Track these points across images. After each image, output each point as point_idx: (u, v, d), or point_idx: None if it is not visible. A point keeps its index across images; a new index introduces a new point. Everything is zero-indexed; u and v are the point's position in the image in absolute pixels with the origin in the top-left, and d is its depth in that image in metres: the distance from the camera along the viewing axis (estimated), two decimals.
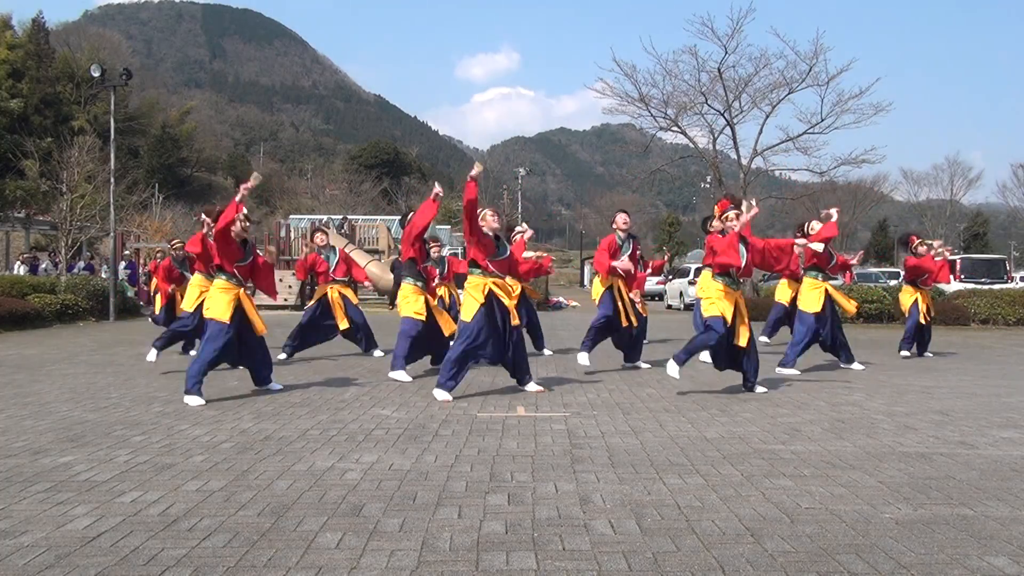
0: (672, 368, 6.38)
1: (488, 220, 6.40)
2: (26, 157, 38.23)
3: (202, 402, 6.05)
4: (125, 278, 20.77)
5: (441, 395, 6.20)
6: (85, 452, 4.43)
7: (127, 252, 23.68)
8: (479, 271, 6.36)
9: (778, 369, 8.05)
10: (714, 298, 6.44)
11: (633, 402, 6.23)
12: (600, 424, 5.29)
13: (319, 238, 9.41)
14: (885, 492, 3.67)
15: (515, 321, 6.40)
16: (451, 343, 6.96)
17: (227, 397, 6.42)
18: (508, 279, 6.63)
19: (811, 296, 8.23)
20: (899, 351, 9.94)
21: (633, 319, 8.00)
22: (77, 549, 2.90)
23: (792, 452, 4.49)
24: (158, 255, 18.91)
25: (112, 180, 18.71)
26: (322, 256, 9.28)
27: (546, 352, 9.85)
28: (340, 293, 9.23)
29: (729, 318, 6.37)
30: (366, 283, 9.89)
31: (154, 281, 15.90)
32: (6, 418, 5.48)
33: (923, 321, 9.73)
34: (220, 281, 6.32)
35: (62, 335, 12.86)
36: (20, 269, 21.69)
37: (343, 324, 9.14)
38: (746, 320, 6.53)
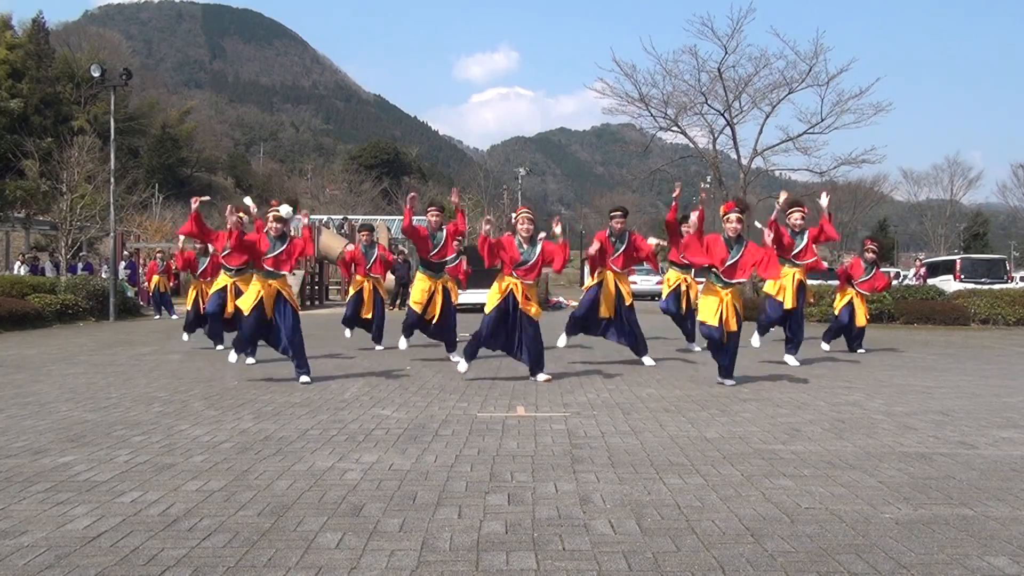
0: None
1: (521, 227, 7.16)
2: (26, 157, 38.27)
3: (235, 359, 7.71)
4: (125, 278, 20.76)
5: (462, 366, 7.27)
6: (85, 452, 4.43)
7: (127, 252, 23.66)
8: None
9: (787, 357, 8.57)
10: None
11: (633, 402, 6.23)
12: (600, 424, 5.29)
13: (365, 236, 10.25)
14: (885, 492, 3.67)
15: (537, 315, 7.13)
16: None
17: (227, 397, 6.43)
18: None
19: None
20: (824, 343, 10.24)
21: (610, 311, 8.22)
22: (77, 549, 2.90)
23: (792, 452, 4.49)
24: (158, 255, 18.95)
25: (112, 180, 18.71)
26: (362, 252, 10.14)
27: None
28: (374, 286, 10.17)
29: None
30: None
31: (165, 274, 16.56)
32: (6, 418, 5.48)
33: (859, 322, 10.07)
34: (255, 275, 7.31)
35: (62, 335, 12.86)
36: (20, 269, 21.68)
37: (368, 314, 10.14)
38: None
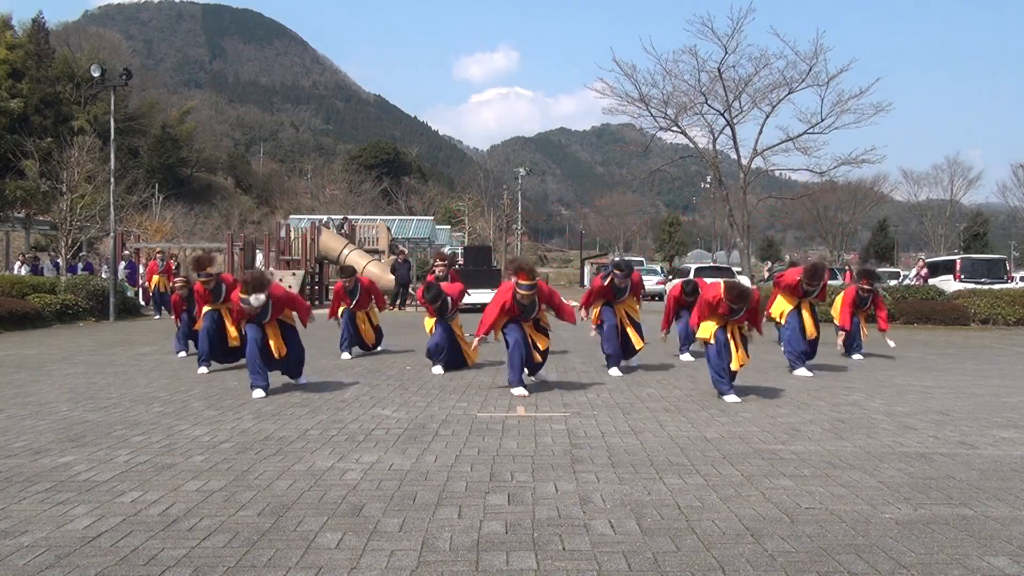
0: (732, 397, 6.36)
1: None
2: (26, 157, 38.26)
3: (263, 395, 6.42)
4: (124, 278, 20.74)
5: (519, 391, 6.59)
6: (85, 452, 4.43)
7: (127, 252, 23.65)
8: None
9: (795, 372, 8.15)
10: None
11: (633, 402, 6.23)
12: (600, 424, 5.29)
13: (348, 282, 9.77)
14: (885, 492, 3.67)
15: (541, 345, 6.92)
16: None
17: (227, 397, 6.42)
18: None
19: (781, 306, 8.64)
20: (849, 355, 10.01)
21: (632, 333, 8.01)
22: (77, 549, 2.90)
23: (792, 452, 4.49)
24: (158, 255, 18.94)
25: (112, 180, 18.69)
26: (346, 290, 9.72)
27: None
28: (367, 315, 9.89)
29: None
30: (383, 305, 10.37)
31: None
32: (6, 418, 5.48)
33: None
34: None
35: (62, 335, 12.85)
36: (21, 269, 21.67)
37: (369, 340, 9.95)
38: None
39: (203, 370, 8.04)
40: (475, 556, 2.82)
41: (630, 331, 8.02)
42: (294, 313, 7.01)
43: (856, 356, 9.75)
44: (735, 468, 4.11)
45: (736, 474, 3.99)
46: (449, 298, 8.15)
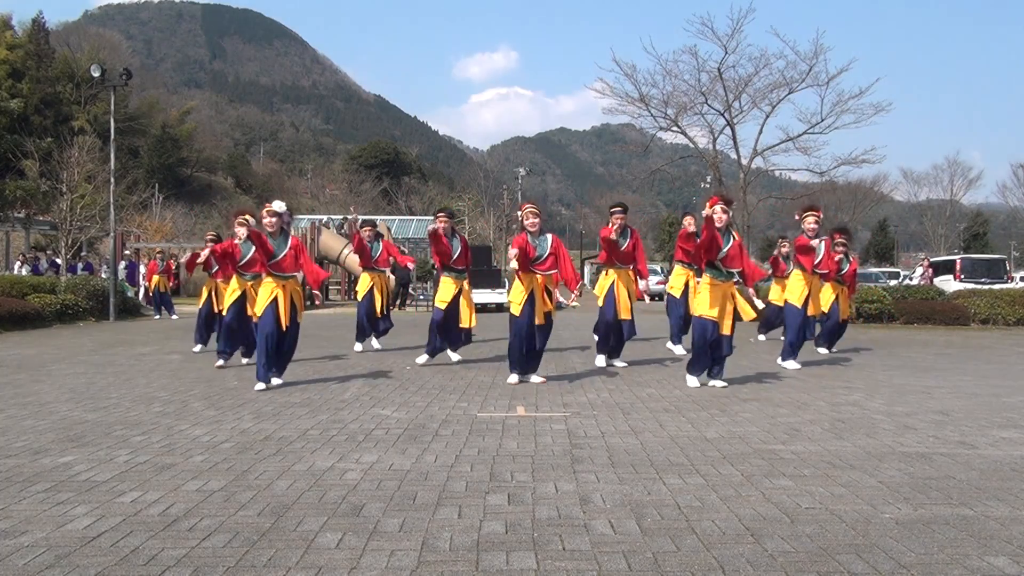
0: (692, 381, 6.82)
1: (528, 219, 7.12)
2: (26, 157, 38.27)
3: (263, 387, 6.74)
4: (123, 278, 20.75)
5: (513, 379, 7.16)
6: (85, 452, 4.43)
7: (127, 252, 23.66)
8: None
9: (780, 362, 8.30)
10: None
11: (633, 402, 6.23)
12: (600, 424, 5.29)
13: (368, 231, 10.20)
14: (885, 492, 3.67)
15: (539, 320, 7.07)
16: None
17: (227, 397, 6.42)
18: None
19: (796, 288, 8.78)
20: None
21: (625, 313, 8.16)
22: (77, 549, 2.90)
23: (792, 452, 4.49)
24: (158, 255, 18.95)
25: (112, 180, 18.70)
26: (367, 244, 10.01)
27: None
28: (383, 284, 10.13)
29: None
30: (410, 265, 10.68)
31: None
32: (6, 418, 5.48)
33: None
34: (264, 279, 7.05)
35: (62, 335, 12.85)
36: (21, 269, 21.67)
37: (379, 307, 9.98)
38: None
39: (220, 362, 8.41)
40: (475, 556, 2.82)
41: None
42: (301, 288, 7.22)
43: (823, 350, 9.85)
44: (735, 468, 4.11)
45: (736, 474, 3.99)
46: (459, 243, 8.44)
